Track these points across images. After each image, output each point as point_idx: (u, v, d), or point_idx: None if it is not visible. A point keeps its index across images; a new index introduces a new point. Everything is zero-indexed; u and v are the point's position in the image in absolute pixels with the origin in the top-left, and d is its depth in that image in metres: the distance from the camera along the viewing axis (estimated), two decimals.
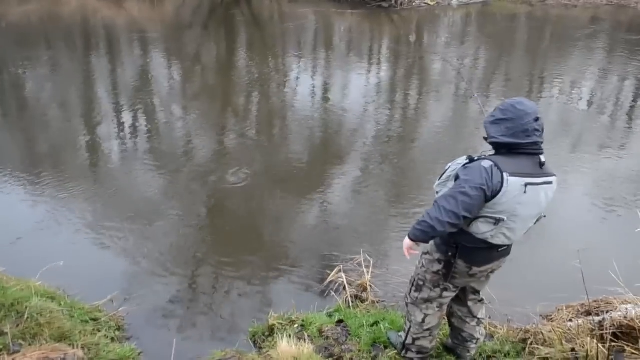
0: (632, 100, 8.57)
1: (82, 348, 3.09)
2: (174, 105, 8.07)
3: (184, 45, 11.72)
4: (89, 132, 6.99)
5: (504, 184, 2.40)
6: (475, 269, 2.69)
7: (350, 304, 3.89)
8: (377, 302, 4.02)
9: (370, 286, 4.11)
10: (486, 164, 2.43)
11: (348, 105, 8.20)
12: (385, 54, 11.40)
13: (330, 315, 3.72)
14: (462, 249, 2.62)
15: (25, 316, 3.24)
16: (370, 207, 5.53)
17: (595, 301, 3.68)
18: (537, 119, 2.45)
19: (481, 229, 2.52)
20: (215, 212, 5.36)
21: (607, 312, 3.44)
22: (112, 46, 11.58)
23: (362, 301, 3.99)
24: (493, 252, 2.63)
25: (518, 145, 2.45)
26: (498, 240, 2.55)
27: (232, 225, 5.21)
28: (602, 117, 7.86)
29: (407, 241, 2.66)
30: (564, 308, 3.76)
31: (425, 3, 15.10)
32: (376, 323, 3.50)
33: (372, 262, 4.27)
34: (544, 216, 2.66)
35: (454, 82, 9.18)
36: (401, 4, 14.55)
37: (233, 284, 4.30)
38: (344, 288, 4.04)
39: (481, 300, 2.99)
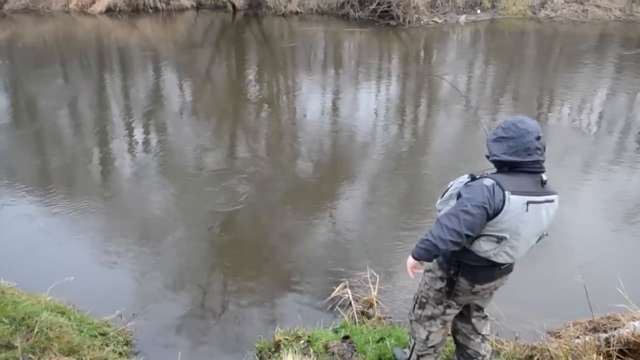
0: None
1: None
2: (185, 123, 8.19)
3: (195, 63, 11.91)
4: (100, 149, 7.11)
5: (506, 202, 2.41)
6: (477, 287, 2.70)
7: (357, 320, 3.89)
8: (384, 319, 4.02)
9: (377, 302, 4.11)
10: (488, 182, 2.45)
11: (357, 122, 8.26)
12: (394, 71, 11.49)
13: (336, 331, 3.73)
14: (465, 267, 2.63)
15: (35, 330, 3.30)
16: (378, 223, 5.56)
17: (603, 318, 3.66)
18: (538, 138, 2.47)
19: (483, 247, 2.53)
20: (223, 227, 5.41)
21: (615, 328, 3.42)
22: (124, 65, 11.81)
23: (369, 317, 3.99)
24: (495, 270, 2.64)
25: (519, 164, 2.48)
26: (501, 258, 2.55)
27: (240, 241, 5.25)
28: (612, 135, 7.84)
29: (410, 260, 2.67)
30: (572, 325, 3.73)
31: (433, 21, 15.23)
32: (382, 339, 3.51)
33: (378, 278, 4.29)
34: (546, 234, 2.67)
35: (463, 99, 9.22)
36: (409, 22, 14.69)
37: (240, 300, 4.33)
38: (350, 304, 4.05)
39: (485, 317, 2.99)
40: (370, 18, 15.01)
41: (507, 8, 16.28)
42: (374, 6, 14.91)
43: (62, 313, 3.66)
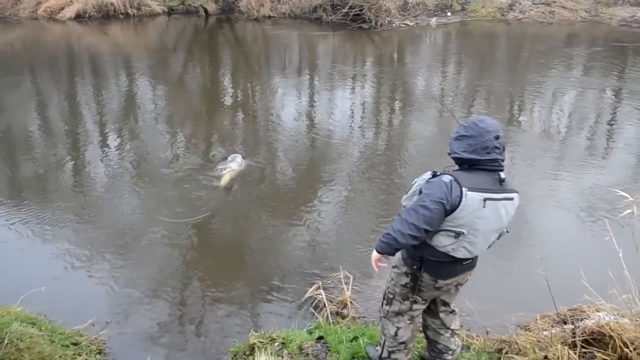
0: (611, 115, 8.79)
1: None
2: (158, 128, 8.13)
3: (168, 68, 11.84)
4: (71, 156, 7.02)
5: (463, 198, 2.49)
6: (440, 282, 2.76)
7: (331, 321, 3.93)
8: (358, 318, 4.07)
9: (351, 302, 4.16)
10: (446, 178, 2.53)
11: (332, 125, 8.32)
12: (368, 73, 11.60)
13: (310, 332, 3.76)
14: (427, 262, 2.70)
15: (5, 342, 3.25)
16: (353, 225, 5.61)
17: (570, 310, 3.77)
18: (497, 137, 2.54)
19: (442, 242, 2.60)
20: (197, 233, 5.39)
21: (581, 320, 3.53)
22: (95, 71, 11.66)
23: (343, 317, 4.03)
24: (457, 266, 2.71)
25: (478, 162, 2.55)
26: (460, 253, 2.62)
27: (214, 247, 5.25)
28: (580, 134, 8.04)
29: (374, 254, 2.75)
30: (539, 318, 3.84)
31: (404, 24, 15.42)
32: (355, 338, 3.55)
33: (352, 279, 4.33)
34: (507, 231, 2.75)
35: (437, 100, 9.36)
36: (381, 25, 14.85)
37: (215, 306, 4.33)
38: (324, 305, 4.08)
39: (452, 312, 3.06)
40: (342, 22, 15.12)
41: (477, 10, 16.58)
42: (346, 10, 15.04)
43: (33, 324, 3.61)
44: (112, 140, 7.67)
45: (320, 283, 4.29)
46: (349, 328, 3.81)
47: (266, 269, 4.80)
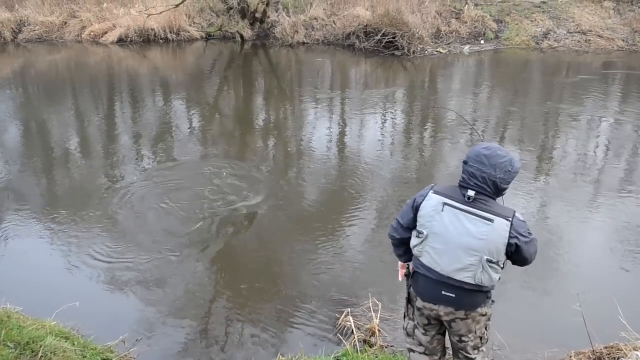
0: None
1: None
2: (192, 150, 8.31)
3: (204, 92, 12.14)
4: (108, 176, 7.22)
5: (426, 198, 2.73)
6: (420, 302, 2.82)
7: (359, 349, 3.89)
8: (386, 347, 4.02)
9: (379, 331, 4.11)
10: (431, 185, 2.83)
11: (363, 150, 8.36)
12: (399, 100, 11.65)
13: (337, 359, 3.73)
14: (414, 274, 2.84)
15: (40, 355, 3.34)
16: (383, 251, 5.57)
17: (606, 347, 3.65)
18: (465, 162, 2.69)
19: (413, 242, 2.78)
20: (227, 254, 5.45)
21: (618, 358, 3.41)
22: (134, 93, 12.06)
23: (371, 346, 3.99)
24: (437, 290, 2.69)
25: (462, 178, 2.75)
26: (425, 259, 2.70)
27: (243, 267, 5.28)
28: (618, 165, 7.85)
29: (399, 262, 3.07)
30: (574, 355, 3.72)
31: (437, 51, 15.46)
32: None
33: (380, 307, 4.30)
34: (494, 262, 2.58)
35: (469, 128, 9.32)
36: (414, 53, 14.92)
37: (242, 327, 4.35)
38: (352, 332, 4.05)
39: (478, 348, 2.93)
40: (375, 49, 15.27)
41: (511, 39, 16.52)
42: (379, 37, 15.18)
43: (67, 338, 3.70)
44: (146, 159, 7.87)
45: (349, 310, 4.26)
46: (376, 357, 3.77)
47: (293, 292, 4.81)
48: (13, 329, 3.60)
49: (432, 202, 2.69)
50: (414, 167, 7.80)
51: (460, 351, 2.87)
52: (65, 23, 16.87)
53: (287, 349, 4.00)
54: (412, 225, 2.79)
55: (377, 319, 4.15)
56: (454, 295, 2.66)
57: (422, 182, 7.18)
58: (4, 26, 16.40)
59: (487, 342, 2.89)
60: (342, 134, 9.24)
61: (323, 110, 10.62)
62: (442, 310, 2.74)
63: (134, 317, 4.43)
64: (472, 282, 2.61)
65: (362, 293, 4.63)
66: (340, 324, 4.20)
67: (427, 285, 2.73)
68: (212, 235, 5.69)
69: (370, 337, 4.06)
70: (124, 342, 3.95)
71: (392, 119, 10.19)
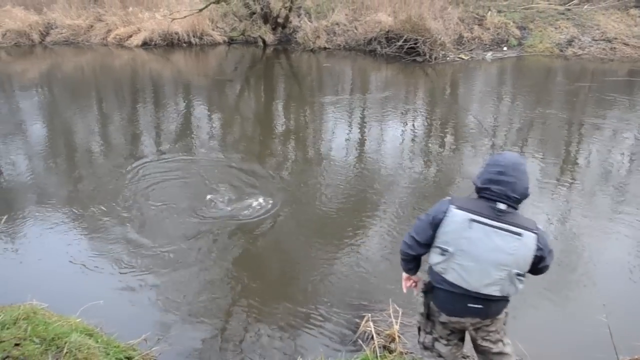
0: None
1: None
2: (212, 152, 8.38)
3: (225, 95, 12.26)
4: (132, 176, 7.32)
5: (447, 214, 2.62)
6: (444, 317, 2.77)
7: (378, 354, 3.88)
8: (406, 354, 4.00)
9: (399, 337, 4.10)
10: (446, 198, 2.75)
11: (383, 156, 8.34)
12: (419, 106, 11.61)
13: None
14: (434, 290, 2.77)
15: (65, 351, 3.39)
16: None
17: None
18: (500, 172, 2.56)
19: (434, 259, 2.71)
20: (246, 257, 5.48)
21: None
22: (157, 95, 12.23)
23: (390, 352, 3.98)
24: (462, 303, 2.66)
25: (480, 190, 2.66)
26: (451, 276, 2.64)
27: (263, 271, 5.31)
28: None
29: (403, 273, 3.05)
30: None
31: (459, 57, 15.39)
32: None
33: (401, 313, 4.28)
34: (521, 274, 2.60)
35: (490, 135, 9.25)
36: (435, 59, 14.87)
37: (261, 330, 4.37)
38: (372, 337, 4.04)
39: (500, 353, 2.93)
40: (396, 54, 15.25)
41: (534, 45, 16.36)
42: (400, 43, 15.16)
43: (90, 335, 3.75)
44: (167, 160, 7.94)
45: (369, 315, 4.25)
46: None
47: (312, 296, 4.82)
48: (39, 324, 3.67)
49: (457, 219, 2.59)
50: (433, 174, 7.75)
51: (485, 349, 2.90)
52: (92, 26, 17.20)
53: (307, 352, 4.01)
54: (429, 242, 2.73)
55: (397, 325, 4.14)
56: (481, 307, 2.66)
57: (441, 189, 7.15)
58: (32, 28, 16.77)
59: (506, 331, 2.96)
60: (361, 139, 9.23)
61: (342, 115, 10.63)
62: (468, 322, 2.75)
63: (154, 317, 4.48)
64: (499, 295, 2.61)
65: (382, 298, 4.62)
66: (360, 329, 4.20)
67: (451, 300, 2.69)
68: (230, 239, 5.72)
69: (390, 343, 4.04)
70: (146, 341, 4.00)
71: (412, 124, 10.15)
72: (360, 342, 4.08)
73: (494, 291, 2.59)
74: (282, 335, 4.30)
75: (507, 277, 2.58)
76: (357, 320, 4.30)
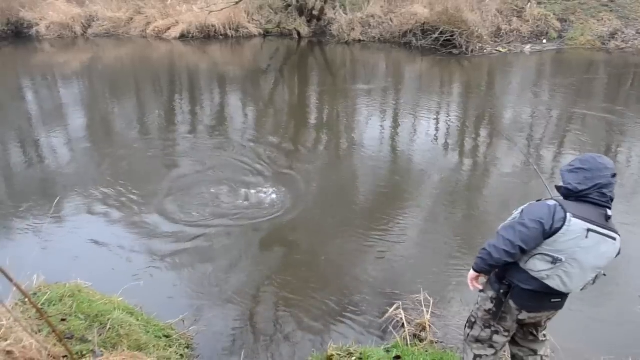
0: None
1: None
2: (247, 142, 8.51)
3: (259, 86, 12.40)
4: (166, 163, 7.51)
5: (566, 223, 2.47)
6: (524, 314, 2.73)
7: (409, 342, 3.93)
8: (436, 343, 4.03)
9: (430, 326, 4.13)
10: (551, 202, 2.56)
11: (415, 149, 8.32)
12: (454, 99, 11.49)
13: (387, 351, 3.78)
14: (516, 289, 2.67)
15: (107, 327, 3.56)
16: (433, 249, 5.57)
17: None
18: (614, 175, 2.55)
19: (538, 266, 2.57)
20: (279, 245, 5.58)
21: None
22: (193, 87, 12.47)
23: (421, 340, 4.01)
24: (545, 301, 2.67)
25: (588, 194, 2.54)
26: (553, 282, 2.57)
27: (295, 258, 5.41)
28: None
29: (471, 272, 2.81)
30: None
31: (497, 50, 15.12)
32: None
33: (432, 302, 4.31)
34: (604, 274, 2.67)
35: (526, 131, 9.09)
36: (472, 51, 14.65)
37: (294, 315, 4.46)
38: (403, 325, 4.09)
39: (543, 340, 2.98)
40: (432, 47, 15.08)
41: (575, 38, 15.92)
42: (436, 35, 14.99)
43: (131, 313, 3.92)
44: (202, 148, 8.12)
45: (400, 303, 4.30)
46: (426, 351, 3.79)
47: (344, 284, 4.89)
48: (83, 302, 3.85)
49: (576, 229, 2.48)
50: (466, 168, 7.69)
51: (535, 340, 2.96)
52: (131, 19, 17.59)
53: (337, 337, 4.08)
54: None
55: (428, 314, 4.17)
56: (560, 300, 2.72)
57: (473, 185, 7.09)
58: (75, 21, 17.27)
59: None
60: (394, 132, 9.22)
61: (375, 107, 10.63)
62: (545, 315, 2.80)
63: (190, 301, 4.63)
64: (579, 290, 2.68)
65: (412, 288, 4.65)
66: (391, 317, 4.24)
67: (536, 298, 2.68)
68: (265, 229, 5.83)
69: (421, 331, 4.08)
70: (183, 321, 4.14)
71: (446, 118, 10.06)
72: (391, 329, 4.13)
73: (578, 289, 2.66)
74: (311, 321, 4.39)
75: (594, 277, 2.64)
76: (388, 308, 4.34)
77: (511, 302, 2.72)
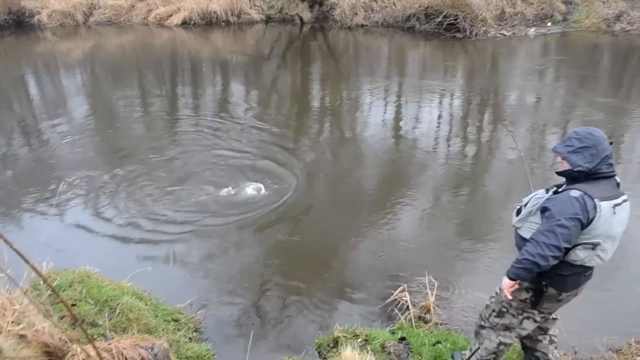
0: None
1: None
2: (248, 129, 8.52)
3: (262, 73, 12.38)
4: (169, 148, 7.54)
5: (597, 210, 2.49)
6: (564, 295, 2.77)
7: (413, 324, 3.98)
8: (440, 324, 4.09)
9: (434, 308, 4.18)
10: (575, 193, 2.53)
11: (419, 134, 8.32)
12: (458, 84, 11.44)
13: (393, 333, 3.85)
14: (555, 277, 2.69)
15: (117, 311, 3.63)
16: (438, 234, 5.61)
17: None
18: (611, 143, 2.61)
19: (580, 255, 2.59)
20: (285, 231, 5.63)
21: None
22: (195, 73, 12.46)
23: (425, 322, 4.07)
24: (581, 277, 2.71)
25: (598, 170, 2.56)
26: (593, 262, 2.63)
27: (300, 243, 5.45)
28: None
29: (506, 281, 2.75)
30: (635, 342, 3.65)
31: (501, 34, 15.01)
32: (438, 342, 3.58)
33: (436, 285, 4.36)
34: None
35: (529, 117, 9.05)
36: (476, 35, 14.54)
37: (300, 299, 4.52)
38: (408, 308, 4.14)
39: (554, 319, 3.04)
40: (436, 31, 14.98)
41: (580, 21, 15.78)
42: (440, 19, 14.88)
43: (140, 298, 3.98)
44: (207, 136, 8.14)
45: (405, 286, 4.35)
46: (431, 333, 3.85)
47: (349, 267, 4.95)
48: (93, 287, 3.92)
49: (605, 212, 2.52)
50: (469, 154, 7.68)
51: (552, 319, 3.06)
52: (133, 6, 17.50)
53: (343, 320, 4.13)
54: None
55: (432, 296, 4.22)
56: (592, 271, 2.75)
57: (477, 169, 7.10)
58: (76, 9, 17.20)
59: None
60: (397, 118, 9.21)
61: (379, 93, 10.60)
62: (580, 289, 2.83)
63: (197, 286, 4.70)
64: None
65: (417, 271, 4.69)
66: (396, 300, 4.30)
67: (577, 280, 2.72)
68: (269, 215, 5.87)
69: (425, 313, 4.14)
70: (191, 306, 4.21)
71: (450, 104, 10.03)
72: (397, 311, 4.18)
73: None
74: (318, 304, 4.45)
75: None
76: (393, 291, 4.39)
77: (551, 289, 2.74)
